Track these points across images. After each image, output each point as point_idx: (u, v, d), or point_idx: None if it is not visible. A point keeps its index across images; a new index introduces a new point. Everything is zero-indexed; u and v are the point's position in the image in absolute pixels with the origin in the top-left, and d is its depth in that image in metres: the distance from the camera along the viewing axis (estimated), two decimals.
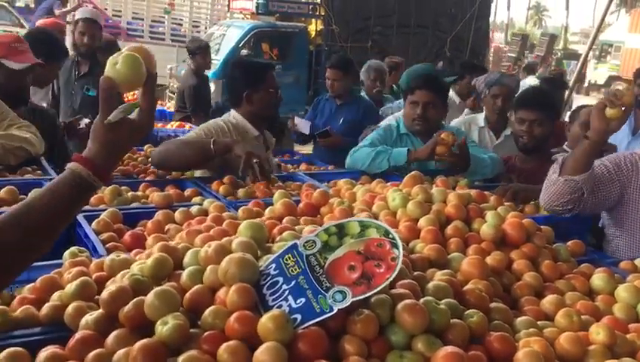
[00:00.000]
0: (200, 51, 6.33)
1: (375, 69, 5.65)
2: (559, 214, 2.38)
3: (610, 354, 1.37)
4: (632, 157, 2.50)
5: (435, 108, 3.30)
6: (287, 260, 1.32)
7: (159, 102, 5.99)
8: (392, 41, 10.63)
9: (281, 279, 1.29)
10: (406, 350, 1.24)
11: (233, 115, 3.12)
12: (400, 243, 1.27)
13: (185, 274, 1.36)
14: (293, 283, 1.27)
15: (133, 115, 1.29)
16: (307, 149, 9.52)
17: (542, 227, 2.05)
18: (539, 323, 1.51)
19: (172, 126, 5.68)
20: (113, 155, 1.30)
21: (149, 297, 1.23)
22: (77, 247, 1.73)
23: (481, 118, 4.02)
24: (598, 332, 1.41)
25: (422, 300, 1.32)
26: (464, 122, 3.97)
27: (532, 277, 1.75)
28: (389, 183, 2.46)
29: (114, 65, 1.24)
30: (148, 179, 3.03)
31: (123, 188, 2.51)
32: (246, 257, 1.30)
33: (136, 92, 1.33)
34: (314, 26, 10.57)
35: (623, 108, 2.18)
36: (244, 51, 9.64)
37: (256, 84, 3.08)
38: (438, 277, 1.56)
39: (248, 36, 9.89)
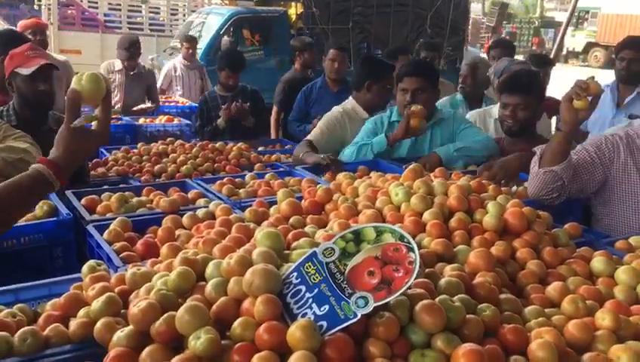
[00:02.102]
0: (307, 48, 6.21)
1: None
2: (547, 202, 2.47)
3: (615, 337, 1.45)
4: (612, 138, 2.59)
5: (425, 94, 3.35)
6: (307, 268, 1.37)
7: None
8: (372, 20, 10.61)
9: (303, 287, 1.34)
10: (426, 348, 1.31)
11: (349, 101, 3.87)
12: (415, 247, 1.33)
13: (209, 287, 1.41)
14: (315, 290, 1.32)
15: (93, 126, 1.54)
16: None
17: (540, 213, 2.13)
18: (546, 310, 1.59)
19: (161, 120, 5.68)
20: (73, 160, 1.53)
21: (180, 312, 1.28)
22: (95, 261, 1.77)
23: (495, 109, 3.91)
24: (603, 318, 1.49)
25: (437, 299, 1.38)
26: (479, 114, 3.94)
27: (535, 264, 1.82)
28: (387, 175, 2.51)
29: (79, 81, 1.50)
30: (149, 182, 3.05)
31: (127, 193, 2.55)
32: (269, 268, 1.35)
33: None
34: (294, 10, 10.51)
35: (589, 98, 2.28)
36: (225, 38, 9.59)
37: (378, 78, 3.78)
38: (448, 273, 1.62)
39: (229, 23, 9.84)
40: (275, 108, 6.10)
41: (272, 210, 2.26)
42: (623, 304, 1.64)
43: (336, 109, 3.81)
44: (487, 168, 2.78)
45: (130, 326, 1.35)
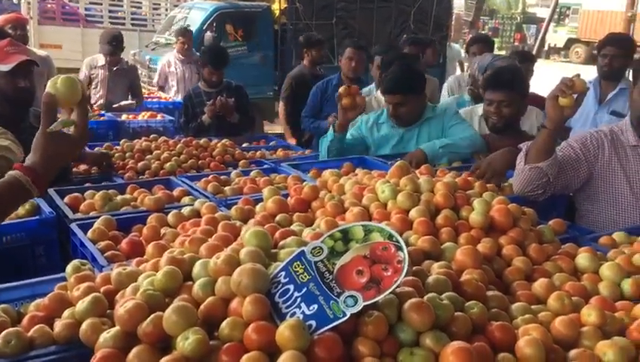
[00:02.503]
0: (315, 44, 6.10)
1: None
2: (533, 198, 2.49)
3: (601, 333, 1.46)
4: (597, 134, 2.62)
5: (408, 106, 3.37)
6: (296, 267, 1.36)
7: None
8: (356, 16, 10.60)
9: (292, 287, 1.33)
10: (415, 346, 1.31)
11: None
12: (404, 246, 1.33)
13: (197, 287, 1.40)
14: (304, 290, 1.32)
15: (70, 131, 1.50)
16: (280, 129, 9.51)
17: (525, 209, 2.14)
18: (532, 307, 1.60)
19: (144, 117, 5.63)
20: (51, 166, 1.49)
21: (168, 313, 1.27)
22: (79, 260, 1.75)
23: (480, 107, 3.89)
24: (589, 314, 1.50)
25: (426, 297, 1.38)
26: (466, 113, 3.89)
27: (521, 261, 1.84)
28: (373, 172, 2.51)
29: (54, 84, 1.46)
30: (133, 180, 3.01)
31: (111, 191, 2.52)
32: (257, 267, 1.35)
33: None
34: (277, 5, 10.46)
35: (575, 96, 2.30)
36: (208, 33, 9.51)
37: None
38: (435, 271, 1.62)
39: (212, 18, 9.75)
40: (281, 104, 6.05)
41: (258, 207, 2.25)
42: (608, 300, 1.66)
43: None
44: (477, 167, 2.80)
45: (117, 327, 1.34)
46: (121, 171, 3.50)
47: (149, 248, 1.81)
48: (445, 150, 3.19)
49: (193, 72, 7.02)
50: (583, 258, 1.90)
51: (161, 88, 7.18)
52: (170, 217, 2.20)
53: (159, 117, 5.58)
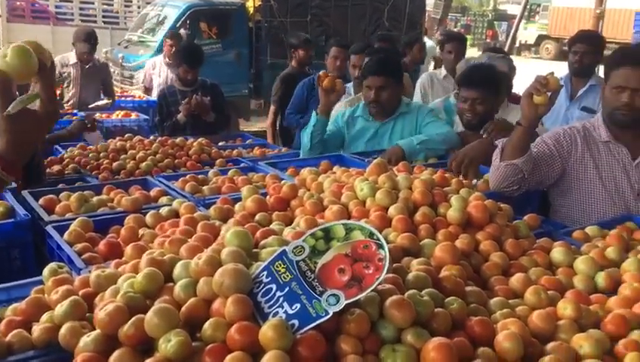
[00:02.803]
0: (302, 45, 6.06)
1: None
2: (508, 194, 2.53)
3: (577, 326, 1.49)
4: (570, 130, 2.68)
5: (388, 90, 3.43)
6: (277, 267, 1.37)
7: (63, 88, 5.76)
8: (330, 14, 10.61)
9: (274, 286, 1.34)
10: (396, 343, 1.32)
11: None
12: (385, 244, 1.34)
13: (178, 288, 1.39)
14: (286, 289, 1.32)
15: (35, 106, 1.34)
16: (256, 127, 9.47)
17: (501, 205, 2.18)
18: (510, 301, 1.63)
19: (118, 116, 5.57)
20: (19, 149, 1.35)
21: (149, 315, 1.26)
22: (56, 263, 1.72)
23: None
24: (565, 308, 1.53)
25: (406, 294, 1.40)
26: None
27: (498, 256, 1.87)
28: (352, 170, 2.52)
29: (4, 58, 1.29)
30: (108, 180, 2.97)
31: (87, 192, 2.49)
32: (239, 268, 1.34)
33: None
34: (252, 2, 10.41)
35: (549, 94, 2.34)
36: (182, 31, 9.42)
37: None
38: (415, 267, 1.64)
39: (185, 16, 9.67)
40: (272, 108, 6.02)
41: (237, 207, 2.24)
42: (583, 293, 1.70)
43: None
44: (454, 158, 2.83)
45: (97, 331, 1.33)
46: (95, 172, 3.45)
47: (128, 249, 1.79)
48: (422, 146, 3.23)
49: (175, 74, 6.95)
50: (557, 252, 1.94)
51: (147, 90, 7.12)
52: (148, 218, 2.18)
53: (133, 116, 5.53)
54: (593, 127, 2.67)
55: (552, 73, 2.37)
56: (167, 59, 6.89)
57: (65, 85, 6.00)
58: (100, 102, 5.93)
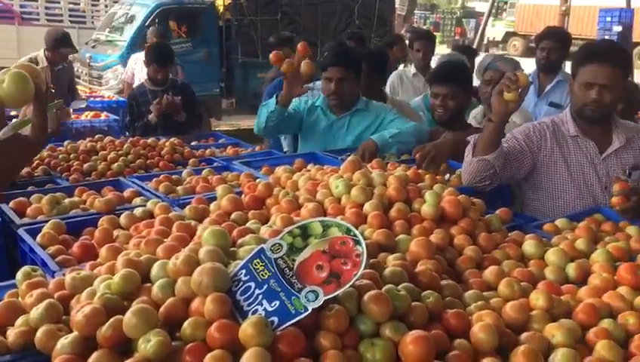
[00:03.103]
0: (284, 43, 5.98)
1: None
2: (480, 189, 2.57)
3: (549, 316, 1.53)
4: (539, 126, 2.73)
5: (348, 83, 3.42)
6: (256, 265, 1.37)
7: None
8: (301, 12, 10.62)
9: (253, 284, 1.34)
10: (375, 337, 1.34)
11: None
12: (362, 240, 1.36)
13: (156, 288, 1.39)
14: (265, 287, 1.33)
15: (26, 131, 1.31)
16: (226, 126, 9.42)
17: (474, 200, 2.22)
18: (484, 294, 1.66)
19: (87, 116, 5.49)
20: (8, 176, 1.33)
21: (128, 316, 1.26)
22: (29, 266, 1.70)
23: (479, 111, 3.94)
24: (537, 298, 1.57)
25: (384, 288, 1.42)
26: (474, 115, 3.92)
27: (472, 250, 1.90)
28: (326, 167, 2.54)
29: (1, 84, 1.27)
30: (80, 182, 2.93)
31: (59, 194, 2.45)
32: (217, 266, 1.35)
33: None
34: (221, 1, 10.36)
35: (519, 91, 2.39)
36: (151, 30, 9.32)
37: None
38: (391, 263, 1.66)
39: (154, 14, 9.57)
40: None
41: (212, 206, 2.23)
42: (554, 284, 1.74)
43: None
44: (419, 149, 2.86)
45: (75, 333, 1.32)
46: (65, 173, 3.40)
47: (103, 251, 1.77)
48: (394, 140, 3.24)
49: None
50: (529, 245, 1.98)
51: (130, 86, 6.87)
52: (122, 219, 2.16)
53: (103, 116, 5.45)
54: (562, 122, 2.73)
55: (522, 70, 2.41)
56: None
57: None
58: (77, 105, 5.85)
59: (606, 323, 1.51)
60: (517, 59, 4.53)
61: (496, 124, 2.48)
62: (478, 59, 4.41)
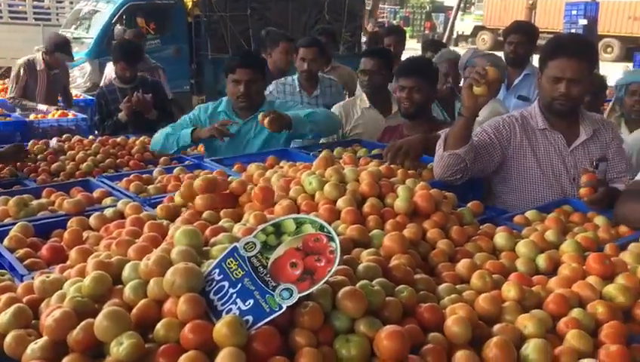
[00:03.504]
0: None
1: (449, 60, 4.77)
2: (451, 183, 2.59)
3: (521, 308, 1.55)
4: (509, 119, 2.77)
5: (256, 84, 3.45)
6: (229, 264, 1.36)
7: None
8: (271, 7, 10.55)
9: (226, 283, 1.33)
10: (350, 333, 1.34)
11: None
12: (336, 236, 1.36)
13: (128, 290, 1.37)
14: (239, 286, 1.32)
15: None
16: None
17: (446, 194, 2.23)
18: (457, 287, 1.68)
19: (54, 115, 5.39)
20: None
21: (99, 319, 1.24)
22: None
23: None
24: (509, 290, 1.59)
25: (358, 284, 1.42)
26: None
27: (445, 244, 1.92)
28: (298, 164, 2.54)
29: None
30: (48, 183, 2.88)
31: (26, 196, 2.40)
32: (190, 266, 1.33)
33: None
34: None
35: (489, 85, 2.42)
36: (118, 27, 9.18)
37: None
38: (365, 258, 1.67)
39: (121, 11, 9.41)
40: None
41: (176, 196, 2.21)
42: (525, 275, 1.76)
43: None
44: (389, 148, 2.87)
45: (45, 337, 1.29)
46: (33, 174, 3.33)
47: (73, 253, 1.74)
48: (308, 119, 3.29)
49: None
50: (500, 237, 2.01)
51: None
52: (92, 220, 2.13)
53: (70, 115, 5.36)
54: (530, 115, 2.76)
55: (491, 64, 2.44)
56: None
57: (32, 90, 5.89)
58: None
59: (576, 312, 1.54)
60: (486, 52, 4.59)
61: (466, 118, 2.50)
62: (462, 56, 4.43)
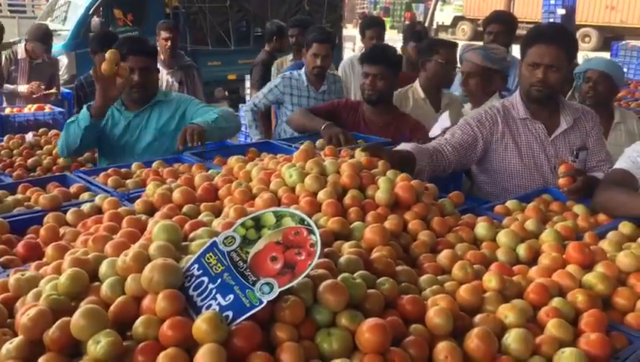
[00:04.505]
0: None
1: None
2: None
3: (502, 298, 1.56)
4: (491, 111, 2.78)
5: (148, 72, 3.23)
6: (208, 259, 1.34)
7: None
8: None
9: (206, 279, 1.31)
10: (331, 326, 1.33)
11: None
12: (316, 229, 1.34)
13: (105, 287, 1.34)
14: (219, 281, 1.30)
15: None
16: None
17: (427, 185, 2.23)
18: (439, 278, 1.68)
19: (30, 109, 5.28)
20: None
21: (75, 317, 1.21)
22: None
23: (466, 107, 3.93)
24: (490, 280, 1.59)
25: (339, 277, 1.41)
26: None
27: (426, 235, 1.92)
28: (279, 156, 2.51)
29: None
30: (24, 178, 2.83)
31: (1, 192, 2.36)
32: (168, 262, 1.31)
33: None
34: None
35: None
36: (95, 19, 9.05)
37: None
38: (346, 250, 1.66)
39: (98, 2, 9.28)
40: (254, 92, 5.52)
41: (147, 189, 2.18)
42: (506, 265, 1.77)
43: None
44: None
45: (20, 337, 1.26)
46: (8, 170, 3.27)
47: (49, 250, 1.71)
48: (215, 125, 3.07)
49: (175, 80, 5.38)
50: (481, 227, 2.01)
51: None
52: (68, 216, 2.09)
53: (47, 109, 5.26)
54: (511, 105, 2.77)
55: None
56: (161, 57, 5.29)
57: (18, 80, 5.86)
58: (50, 91, 5.76)
59: (556, 301, 1.55)
60: (467, 43, 4.59)
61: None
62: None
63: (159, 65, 5.01)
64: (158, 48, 5.22)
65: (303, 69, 4.43)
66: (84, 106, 3.08)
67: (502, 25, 4.77)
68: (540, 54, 2.55)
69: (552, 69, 2.55)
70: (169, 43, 5.31)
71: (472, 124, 2.73)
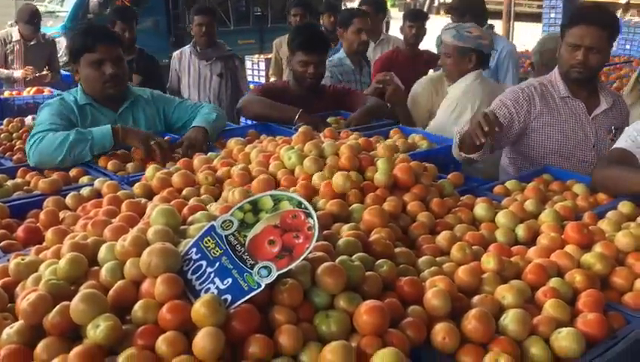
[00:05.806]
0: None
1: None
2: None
3: (500, 278, 1.56)
4: (527, 90, 2.76)
5: (124, 63, 2.89)
6: (207, 243, 1.35)
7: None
8: None
9: (204, 262, 1.32)
10: (329, 309, 1.34)
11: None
12: (313, 213, 1.34)
13: (104, 271, 1.35)
14: (217, 264, 1.31)
15: None
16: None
17: (426, 165, 2.22)
18: (437, 259, 1.68)
19: (29, 92, 5.27)
20: None
21: (75, 302, 1.22)
22: None
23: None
24: (488, 262, 1.60)
25: (337, 260, 1.42)
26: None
27: (425, 216, 1.92)
28: (278, 138, 2.51)
29: None
30: (23, 162, 2.82)
31: (0, 176, 2.36)
32: (167, 246, 1.32)
33: None
34: None
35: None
36: (94, 0, 8.98)
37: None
38: (345, 233, 1.66)
39: None
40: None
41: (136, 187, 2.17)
42: (504, 246, 1.77)
43: None
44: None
45: (21, 321, 1.27)
46: (8, 153, 3.26)
47: (49, 234, 1.71)
48: (216, 124, 2.94)
49: (214, 72, 4.91)
50: (480, 208, 2.01)
51: (176, 93, 5.05)
52: (68, 200, 2.10)
53: (47, 92, 5.24)
54: (550, 83, 2.77)
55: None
56: (197, 48, 4.89)
57: (10, 63, 5.87)
58: (39, 74, 5.74)
59: (554, 282, 1.55)
60: None
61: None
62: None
63: (194, 56, 4.90)
64: (193, 35, 4.88)
65: (341, 53, 4.37)
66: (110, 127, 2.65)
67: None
68: (580, 35, 2.53)
69: (593, 50, 2.54)
70: (204, 29, 4.75)
71: (507, 105, 2.71)
